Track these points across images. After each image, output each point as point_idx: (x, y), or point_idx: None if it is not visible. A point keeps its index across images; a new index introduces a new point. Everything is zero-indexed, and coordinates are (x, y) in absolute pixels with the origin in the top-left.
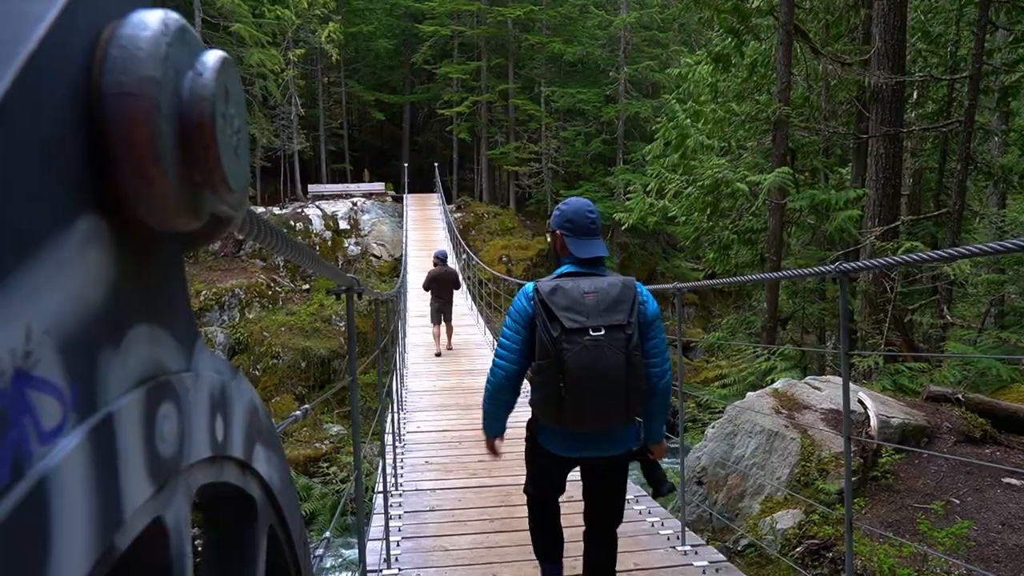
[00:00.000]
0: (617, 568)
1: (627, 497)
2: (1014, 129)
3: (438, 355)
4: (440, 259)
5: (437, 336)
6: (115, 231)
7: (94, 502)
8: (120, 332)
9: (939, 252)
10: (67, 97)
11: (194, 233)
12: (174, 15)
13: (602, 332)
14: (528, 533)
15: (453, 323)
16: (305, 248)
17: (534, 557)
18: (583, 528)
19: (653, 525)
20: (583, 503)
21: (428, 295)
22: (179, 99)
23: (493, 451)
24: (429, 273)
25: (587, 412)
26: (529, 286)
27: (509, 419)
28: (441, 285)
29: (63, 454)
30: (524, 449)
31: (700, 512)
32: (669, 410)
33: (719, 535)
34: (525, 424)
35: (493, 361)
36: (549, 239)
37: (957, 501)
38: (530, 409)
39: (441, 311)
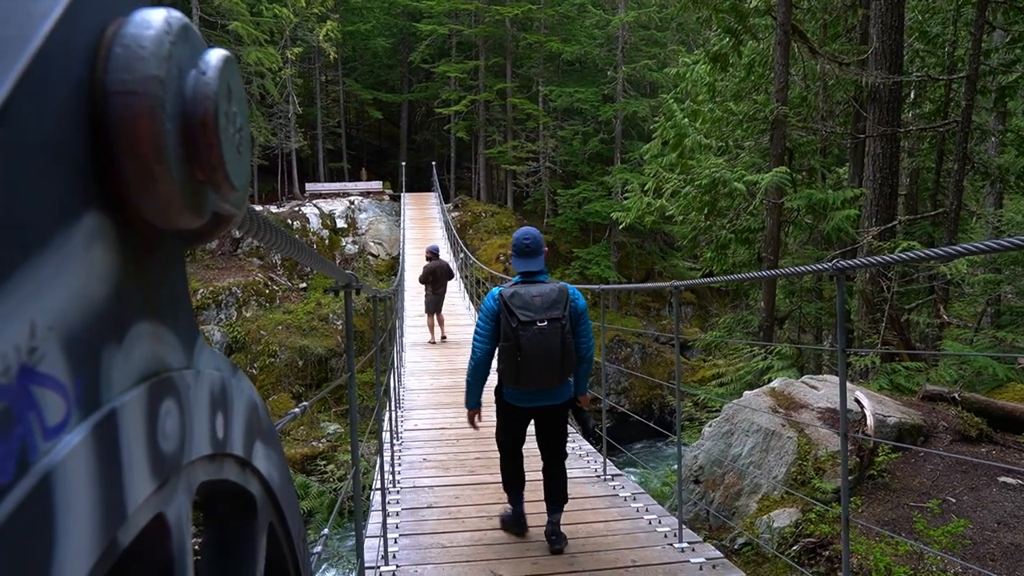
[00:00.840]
0: (615, 564)
1: (624, 495)
2: (1011, 129)
3: (433, 343)
4: (433, 253)
5: (432, 326)
6: (119, 229)
7: (98, 498)
8: (123, 329)
9: (936, 250)
10: (71, 95)
11: (196, 231)
12: (177, 13)
13: (546, 323)
14: (522, 533)
15: (445, 316)
16: (303, 244)
17: (532, 554)
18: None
19: (651, 523)
20: (537, 443)
21: (423, 289)
22: (182, 97)
23: (472, 421)
24: (426, 267)
25: (535, 375)
26: (495, 291)
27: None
28: (439, 277)
29: (67, 449)
30: (495, 411)
31: (697, 511)
32: (592, 372)
33: (716, 534)
34: (494, 390)
35: (472, 344)
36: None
37: (953, 500)
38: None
39: (438, 302)
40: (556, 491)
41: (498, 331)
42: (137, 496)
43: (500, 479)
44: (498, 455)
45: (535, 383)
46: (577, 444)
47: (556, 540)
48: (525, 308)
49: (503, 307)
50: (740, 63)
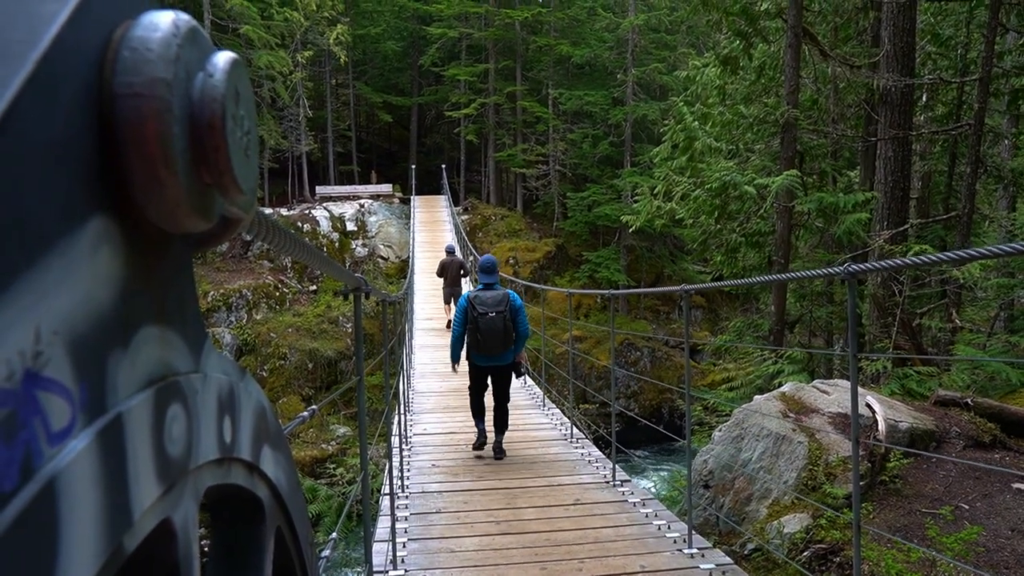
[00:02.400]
0: (624, 570)
1: (633, 500)
2: None
3: (448, 325)
4: (448, 252)
5: (448, 312)
6: (125, 232)
7: (103, 503)
8: (129, 333)
9: (948, 254)
10: (79, 98)
11: (204, 234)
12: (185, 16)
13: (494, 314)
14: (535, 535)
15: None
16: (313, 248)
17: (540, 558)
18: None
19: (660, 528)
20: (492, 393)
21: (437, 288)
22: (190, 100)
23: (454, 368)
24: (441, 262)
25: (489, 345)
26: (466, 294)
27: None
28: (448, 272)
29: (72, 455)
30: (468, 373)
31: (707, 516)
32: (527, 342)
33: (726, 539)
34: (466, 359)
35: (452, 328)
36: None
37: (966, 506)
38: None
39: (452, 293)
40: (501, 422)
41: (467, 319)
42: (143, 501)
43: (508, 484)
44: (503, 461)
45: (489, 350)
46: (586, 451)
47: (499, 452)
48: (482, 305)
49: (469, 304)
50: (750, 66)
